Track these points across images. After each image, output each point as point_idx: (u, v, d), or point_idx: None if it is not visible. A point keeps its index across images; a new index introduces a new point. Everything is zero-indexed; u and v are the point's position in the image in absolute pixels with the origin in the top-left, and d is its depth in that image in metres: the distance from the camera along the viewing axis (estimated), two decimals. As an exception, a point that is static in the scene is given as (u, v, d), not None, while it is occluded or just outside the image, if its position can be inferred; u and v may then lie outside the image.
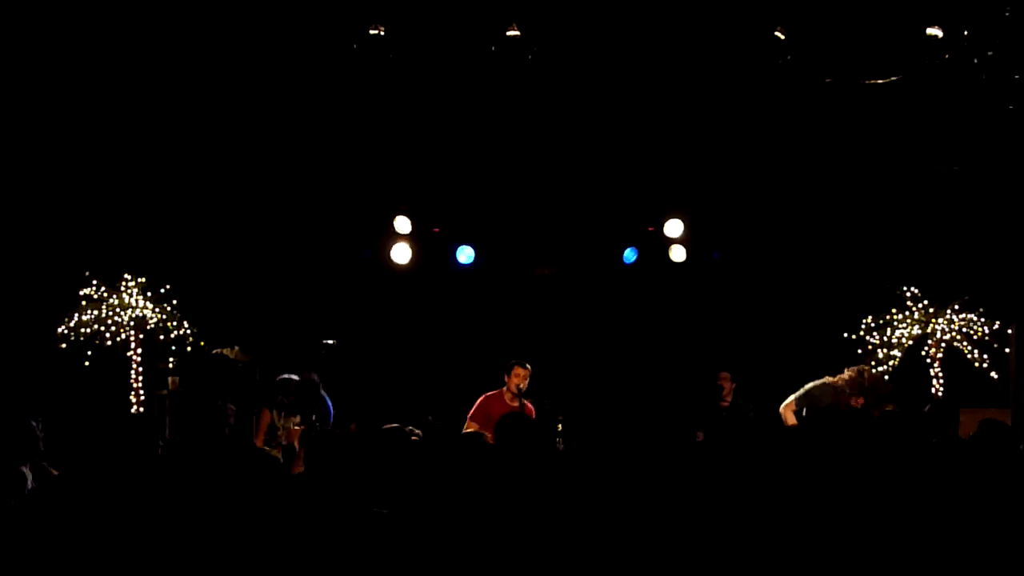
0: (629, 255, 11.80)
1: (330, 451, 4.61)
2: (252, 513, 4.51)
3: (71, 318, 10.02)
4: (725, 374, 10.66)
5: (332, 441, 4.66)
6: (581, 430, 9.22)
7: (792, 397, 8.95)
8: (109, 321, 10.10)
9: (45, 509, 4.62)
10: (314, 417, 8.60)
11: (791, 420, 8.81)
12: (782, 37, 8.73)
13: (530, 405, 8.86)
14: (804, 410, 8.76)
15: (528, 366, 8.90)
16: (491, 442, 5.61)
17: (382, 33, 8.68)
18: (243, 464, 5.35)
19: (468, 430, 8.57)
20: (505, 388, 8.86)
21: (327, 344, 9.27)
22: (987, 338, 10.56)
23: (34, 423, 5.97)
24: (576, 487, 4.75)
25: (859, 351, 10.67)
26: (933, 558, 4.48)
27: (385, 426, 5.85)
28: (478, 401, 8.92)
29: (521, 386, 8.74)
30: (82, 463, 5.31)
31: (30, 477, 5.85)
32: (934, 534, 4.57)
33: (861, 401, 8.62)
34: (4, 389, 9.65)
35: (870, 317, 10.86)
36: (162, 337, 10.34)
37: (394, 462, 5.18)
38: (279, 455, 8.28)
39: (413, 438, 7.06)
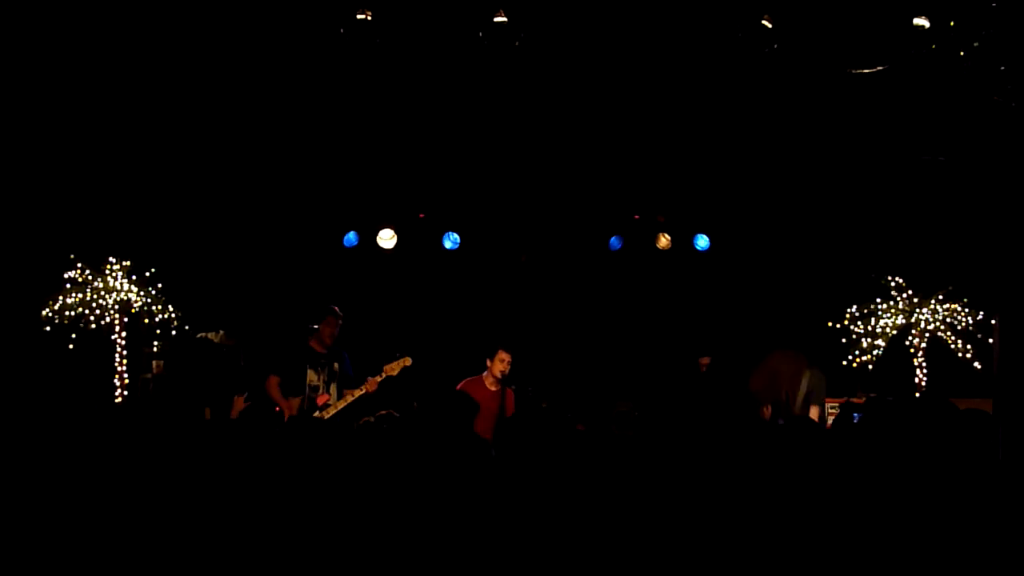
0: (615, 242, 11.81)
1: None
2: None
3: (55, 301, 10.00)
4: (705, 359, 10.69)
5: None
6: (566, 418, 9.23)
7: None
8: (94, 304, 10.10)
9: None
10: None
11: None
12: (769, 26, 8.73)
13: (511, 391, 8.87)
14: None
15: (511, 351, 8.91)
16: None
17: (369, 18, 8.66)
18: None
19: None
20: (486, 373, 8.86)
21: (312, 328, 9.25)
22: (971, 328, 10.61)
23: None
24: (564, 477, 4.73)
25: (843, 340, 10.72)
26: (917, 552, 4.48)
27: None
28: (459, 387, 8.92)
29: (504, 371, 8.75)
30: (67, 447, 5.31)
31: None
32: (918, 526, 4.58)
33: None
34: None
35: (855, 306, 10.91)
36: (147, 320, 10.32)
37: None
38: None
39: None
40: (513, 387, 8.90)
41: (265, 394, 8.94)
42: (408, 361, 9.00)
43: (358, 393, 8.86)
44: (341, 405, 8.81)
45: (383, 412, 8.27)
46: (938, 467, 5.11)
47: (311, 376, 8.98)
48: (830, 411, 8.24)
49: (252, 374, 10.49)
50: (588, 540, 4.31)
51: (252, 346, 10.93)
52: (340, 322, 9.17)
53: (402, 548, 4.14)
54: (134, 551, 4.34)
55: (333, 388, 9.00)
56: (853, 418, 6.40)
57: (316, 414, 8.73)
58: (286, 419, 8.42)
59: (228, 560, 4.12)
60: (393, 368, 8.96)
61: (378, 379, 8.89)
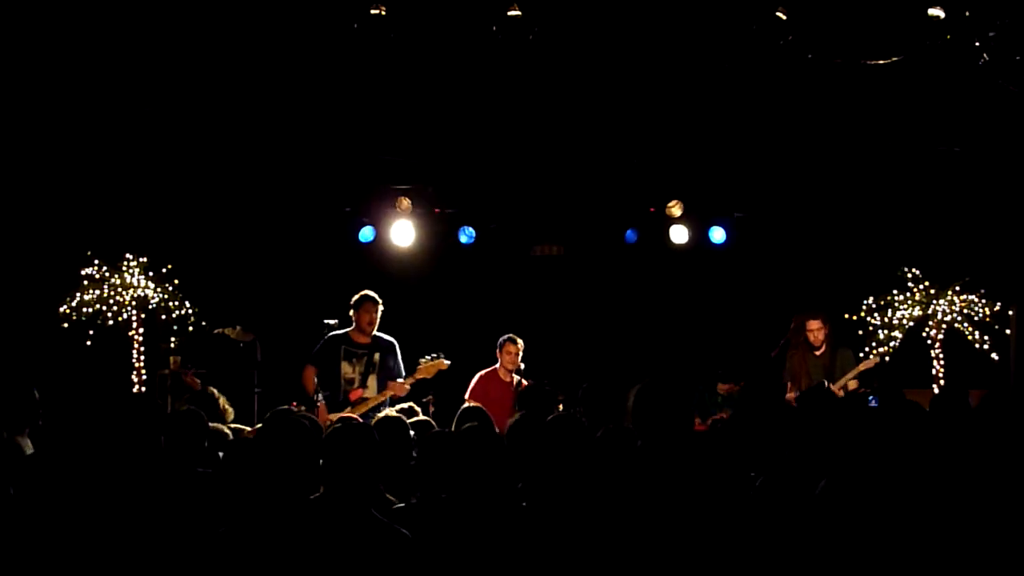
0: (630, 236, 11.81)
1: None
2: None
3: (73, 298, 10.03)
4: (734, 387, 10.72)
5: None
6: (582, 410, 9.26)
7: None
8: (111, 301, 10.12)
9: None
10: None
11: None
12: (783, 17, 8.71)
13: (525, 381, 8.88)
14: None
15: (520, 342, 8.91)
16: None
17: (383, 13, 8.67)
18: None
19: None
20: (499, 365, 8.88)
21: (329, 324, 9.27)
22: (988, 319, 10.56)
23: (36, 393, 6.03)
24: (576, 471, 4.73)
25: (860, 332, 10.68)
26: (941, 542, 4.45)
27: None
28: (474, 380, 8.96)
29: (514, 364, 8.77)
30: (83, 442, 5.34)
31: (29, 446, 5.93)
32: (941, 515, 4.55)
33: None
34: (6, 368, 9.69)
35: (871, 298, 10.86)
36: (163, 317, 10.35)
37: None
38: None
39: (417, 418, 7.08)
40: (529, 380, 8.92)
41: (300, 386, 8.65)
42: (444, 364, 8.49)
43: (388, 394, 8.49)
44: (372, 403, 8.38)
45: (402, 407, 8.28)
46: (957, 457, 5.10)
47: (346, 369, 8.65)
48: None
49: (269, 369, 10.55)
50: (605, 536, 4.32)
51: (269, 341, 10.96)
52: (380, 307, 8.72)
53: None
54: (150, 548, 4.37)
55: (372, 381, 8.63)
56: (870, 401, 6.41)
57: (348, 410, 8.25)
58: (318, 415, 7.82)
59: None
60: (428, 370, 8.51)
61: (409, 382, 8.49)
